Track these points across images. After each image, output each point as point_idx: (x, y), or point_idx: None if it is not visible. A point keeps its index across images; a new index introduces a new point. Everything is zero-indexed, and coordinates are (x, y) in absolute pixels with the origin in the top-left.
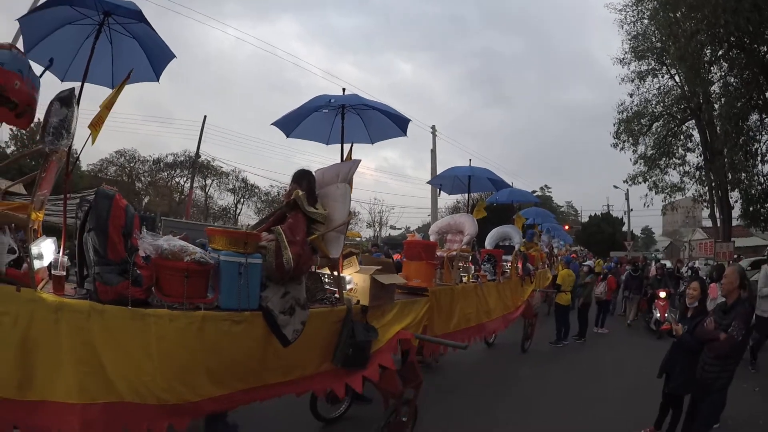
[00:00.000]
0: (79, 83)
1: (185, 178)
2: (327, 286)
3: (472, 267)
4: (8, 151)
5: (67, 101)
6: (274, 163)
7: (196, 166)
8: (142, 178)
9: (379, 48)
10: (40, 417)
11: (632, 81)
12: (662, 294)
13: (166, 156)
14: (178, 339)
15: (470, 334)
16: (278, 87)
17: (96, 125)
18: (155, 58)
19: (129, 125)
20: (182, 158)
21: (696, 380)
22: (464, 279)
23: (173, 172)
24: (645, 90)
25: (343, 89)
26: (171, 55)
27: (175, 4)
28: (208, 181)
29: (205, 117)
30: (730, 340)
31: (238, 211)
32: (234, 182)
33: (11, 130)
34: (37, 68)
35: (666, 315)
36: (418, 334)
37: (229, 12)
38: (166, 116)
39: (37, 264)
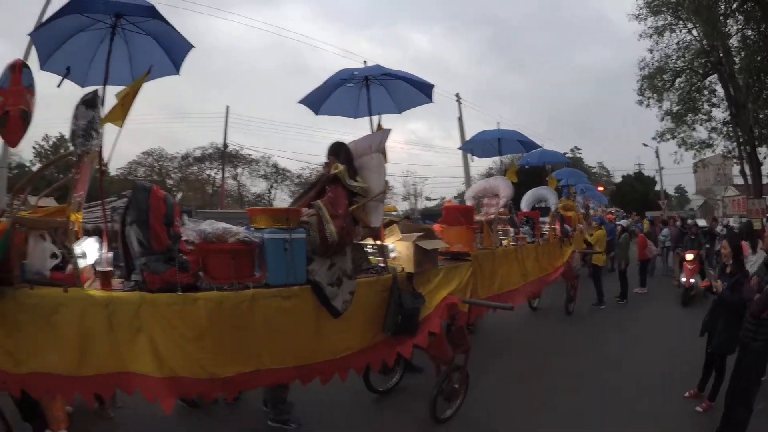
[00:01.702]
0: (100, 87)
1: (215, 170)
2: (370, 256)
3: (511, 230)
4: (33, 169)
5: (92, 103)
6: (301, 145)
7: (225, 156)
8: (172, 175)
9: (392, 20)
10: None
11: (650, 37)
12: (689, 256)
13: (194, 150)
14: (230, 318)
15: (511, 297)
16: (295, 70)
17: (117, 117)
18: (173, 51)
19: (151, 125)
20: (210, 150)
21: (738, 339)
22: (504, 242)
23: (203, 165)
24: (664, 45)
25: (364, 62)
26: (189, 47)
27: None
28: (239, 170)
29: (227, 107)
30: (764, 299)
31: (272, 196)
32: (265, 168)
33: (34, 147)
34: (54, 78)
35: (708, 274)
36: (466, 298)
37: (231, 1)
38: (185, 112)
39: (81, 263)
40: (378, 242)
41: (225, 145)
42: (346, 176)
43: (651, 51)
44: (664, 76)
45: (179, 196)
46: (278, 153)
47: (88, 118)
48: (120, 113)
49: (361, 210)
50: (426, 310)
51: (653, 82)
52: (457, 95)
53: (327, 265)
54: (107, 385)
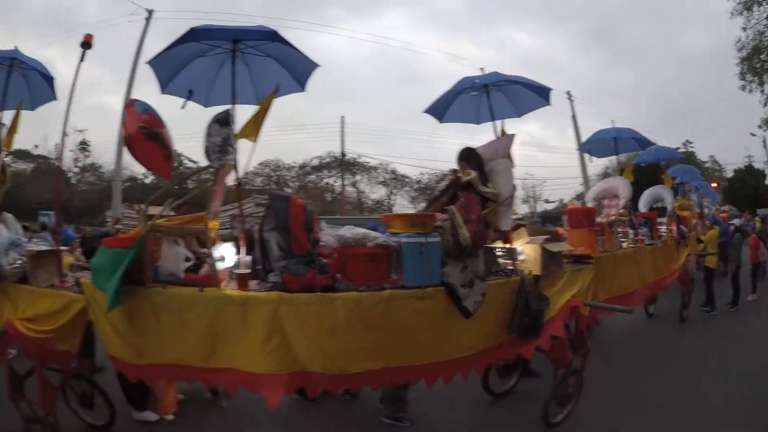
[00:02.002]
0: (221, 107)
1: (333, 178)
2: (499, 259)
3: (630, 231)
4: (146, 181)
5: (224, 121)
6: (418, 151)
7: (343, 164)
8: (291, 184)
9: (492, 21)
10: (224, 378)
11: (741, 14)
12: None
13: (311, 160)
14: (365, 317)
15: (627, 300)
16: (403, 78)
17: (250, 133)
18: (297, 70)
19: (267, 138)
20: (327, 159)
21: None
22: (623, 244)
23: (321, 173)
24: (755, 21)
25: (481, 68)
26: (314, 65)
27: (280, 20)
28: (358, 177)
29: (342, 117)
30: None
31: (392, 202)
32: (384, 175)
33: None
34: (177, 101)
35: None
36: (588, 301)
37: (332, 17)
38: (300, 124)
39: (219, 266)
40: (507, 245)
41: (343, 154)
42: (479, 182)
43: (744, 29)
44: (761, 57)
45: None
46: (396, 160)
47: (223, 135)
48: (253, 129)
49: (492, 214)
50: (550, 313)
51: (752, 63)
52: (568, 93)
53: (460, 268)
54: (231, 378)
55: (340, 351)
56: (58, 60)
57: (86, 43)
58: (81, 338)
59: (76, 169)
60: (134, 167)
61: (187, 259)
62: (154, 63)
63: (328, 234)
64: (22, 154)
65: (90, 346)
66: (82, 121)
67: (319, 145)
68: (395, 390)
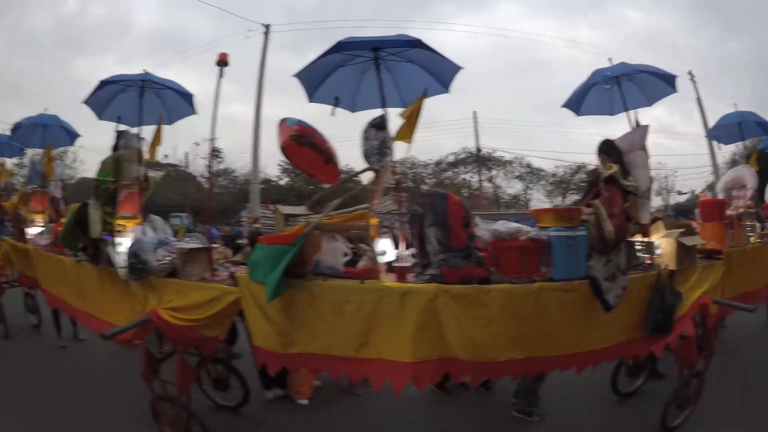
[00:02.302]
0: (368, 112)
1: (470, 174)
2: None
3: (757, 225)
4: (281, 182)
5: (381, 126)
6: (551, 143)
7: (479, 159)
8: (427, 181)
9: (602, 1)
10: (369, 368)
11: None
12: None
13: (446, 156)
14: (516, 308)
15: (752, 299)
16: (524, 68)
17: (405, 135)
18: (439, 73)
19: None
20: (463, 155)
21: None
22: (751, 239)
23: (457, 169)
24: None
25: (609, 59)
26: (457, 68)
27: (397, 21)
28: (494, 172)
29: (474, 112)
30: None
31: (528, 196)
32: (519, 169)
33: (279, 165)
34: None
35: None
36: (717, 299)
37: (444, 14)
38: (431, 122)
39: (381, 259)
40: (645, 239)
41: (478, 149)
42: (620, 176)
43: None
44: None
45: None
46: (530, 153)
47: (380, 138)
48: (407, 132)
49: (632, 207)
50: (681, 309)
51: None
52: (690, 73)
53: (604, 261)
54: (378, 368)
55: (488, 340)
56: (175, 79)
57: (222, 62)
58: (229, 326)
59: (208, 175)
60: (268, 170)
61: (345, 254)
62: (300, 75)
63: (484, 228)
64: (153, 163)
65: (233, 335)
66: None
67: (451, 142)
68: (529, 384)
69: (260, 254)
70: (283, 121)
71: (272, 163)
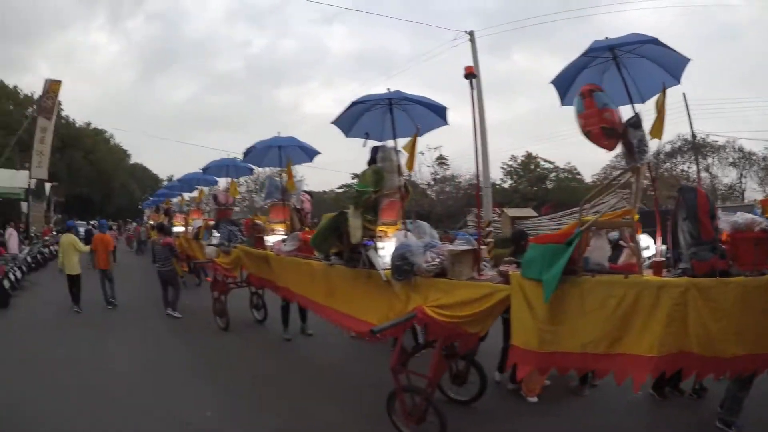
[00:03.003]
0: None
1: (687, 164)
2: None
3: None
4: (505, 185)
5: (637, 124)
6: (760, 121)
7: (696, 147)
8: (646, 174)
9: None
10: (615, 363)
11: None
12: None
13: (663, 146)
14: (746, 301)
15: None
16: (716, 39)
17: (657, 131)
18: (669, 66)
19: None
20: (678, 143)
21: None
22: None
23: (674, 160)
24: None
25: None
26: (686, 60)
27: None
28: (709, 160)
29: (683, 94)
30: None
31: (742, 185)
32: (732, 154)
33: (503, 167)
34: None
35: None
36: None
37: None
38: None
39: (644, 254)
40: None
41: (693, 135)
42: None
43: None
44: None
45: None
46: (740, 135)
47: (638, 137)
48: (659, 128)
49: None
50: None
51: None
52: None
53: None
54: (623, 363)
55: (720, 334)
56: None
57: (470, 74)
58: (491, 324)
59: (432, 182)
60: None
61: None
62: (555, 81)
63: (724, 219)
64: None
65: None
66: (435, 138)
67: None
68: (736, 391)
69: (534, 253)
70: (591, 96)
71: (495, 167)
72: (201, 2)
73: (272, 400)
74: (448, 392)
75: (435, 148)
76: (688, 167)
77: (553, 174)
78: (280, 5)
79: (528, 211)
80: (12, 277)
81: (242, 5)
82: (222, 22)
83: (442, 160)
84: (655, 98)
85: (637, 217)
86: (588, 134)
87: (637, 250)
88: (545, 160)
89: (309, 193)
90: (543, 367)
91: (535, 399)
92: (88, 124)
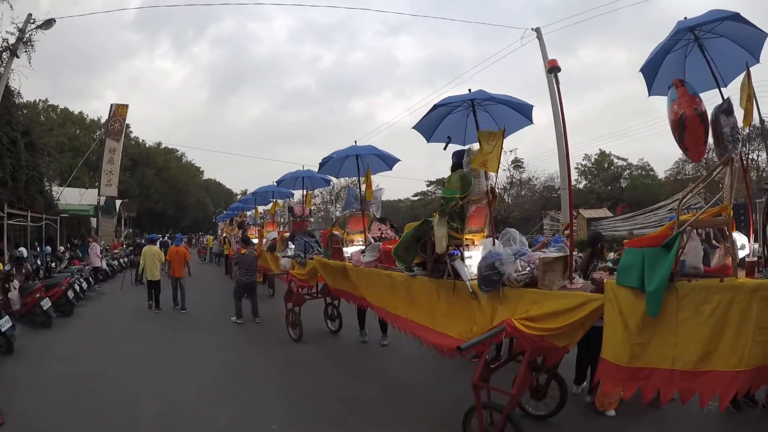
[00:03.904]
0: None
1: (756, 152)
2: None
3: None
4: (580, 186)
5: (729, 111)
6: None
7: (765, 133)
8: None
9: None
10: (702, 382)
11: None
12: None
13: None
14: None
15: None
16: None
17: (747, 116)
18: (748, 43)
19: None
20: (746, 130)
21: None
22: None
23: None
24: None
25: None
26: (763, 35)
27: None
28: None
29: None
30: None
31: None
32: None
33: (578, 167)
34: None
35: None
36: None
37: None
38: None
39: (741, 254)
40: None
41: (762, 120)
42: None
43: None
44: None
45: None
46: None
47: (731, 124)
48: (749, 113)
49: None
50: None
51: None
52: None
53: None
54: (711, 382)
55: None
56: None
57: (553, 68)
58: (579, 337)
59: (508, 186)
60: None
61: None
62: (644, 69)
63: None
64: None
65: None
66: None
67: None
68: None
69: (631, 258)
70: (683, 85)
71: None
72: (266, 24)
73: (342, 413)
74: (526, 406)
75: (510, 151)
76: (758, 155)
77: (627, 171)
78: (344, 21)
79: (603, 212)
80: (77, 287)
81: (308, 23)
82: (289, 42)
83: (517, 163)
84: (737, 81)
85: (731, 213)
86: (680, 119)
87: (733, 250)
88: (618, 158)
89: (384, 220)
90: (629, 386)
91: (612, 413)
92: (159, 144)
